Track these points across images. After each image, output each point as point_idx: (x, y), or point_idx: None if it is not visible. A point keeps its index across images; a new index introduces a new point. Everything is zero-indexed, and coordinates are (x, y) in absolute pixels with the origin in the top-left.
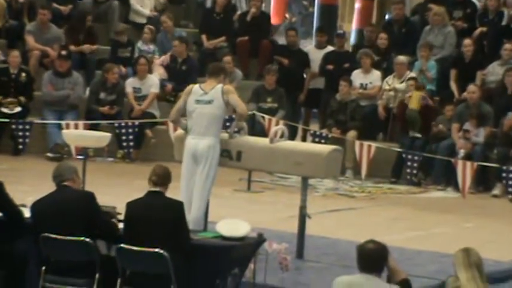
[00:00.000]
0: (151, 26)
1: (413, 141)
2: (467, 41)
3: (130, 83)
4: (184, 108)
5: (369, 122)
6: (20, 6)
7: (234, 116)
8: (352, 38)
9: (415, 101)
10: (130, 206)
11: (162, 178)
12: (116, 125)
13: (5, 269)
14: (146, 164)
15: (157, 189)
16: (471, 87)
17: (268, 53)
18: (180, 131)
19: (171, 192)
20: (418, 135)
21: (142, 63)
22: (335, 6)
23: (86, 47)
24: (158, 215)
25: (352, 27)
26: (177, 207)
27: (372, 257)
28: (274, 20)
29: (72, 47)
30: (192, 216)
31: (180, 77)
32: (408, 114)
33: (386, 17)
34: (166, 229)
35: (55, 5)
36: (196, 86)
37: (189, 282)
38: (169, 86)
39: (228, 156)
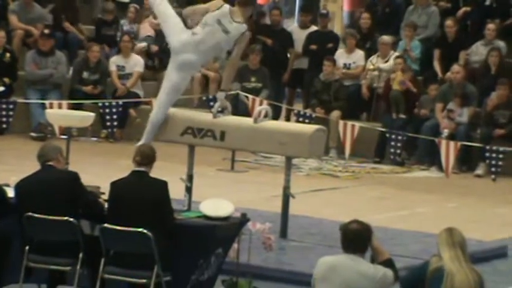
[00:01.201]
0: (136, 5)
1: (396, 121)
2: (449, 21)
3: (114, 61)
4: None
5: (352, 101)
6: None
7: (217, 95)
8: (345, 20)
9: (399, 82)
10: (115, 185)
11: (147, 158)
12: (100, 104)
13: None
14: (130, 144)
15: (141, 168)
16: (455, 67)
17: (252, 33)
18: None
19: (156, 172)
20: (401, 115)
21: (126, 40)
22: None
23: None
24: (142, 195)
25: (339, 8)
26: (161, 186)
27: (356, 237)
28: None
29: (68, 25)
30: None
31: (165, 54)
32: (392, 95)
33: None
34: (150, 209)
35: None
36: (227, 8)
37: (173, 262)
38: (155, 47)
39: (212, 136)
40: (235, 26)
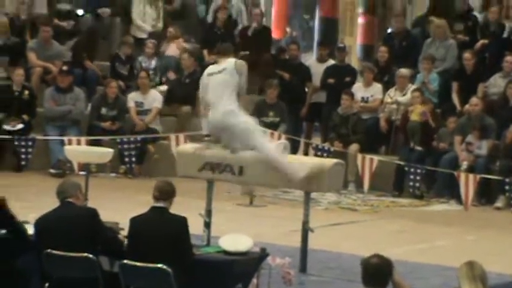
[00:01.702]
0: (153, 40)
1: (414, 154)
2: (467, 54)
3: (132, 97)
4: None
5: (370, 135)
6: (22, 23)
7: None
8: (358, 53)
9: (417, 113)
10: (134, 221)
11: (165, 193)
12: (118, 140)
13: (9, 286)
14: (149, 179)
15: (160, 204)
16: (473, 100)
17: (270, 67)
18: (182, 146)
19: (175, 207)
20: (418, 147)
21: (143, 77)
22: (335, 20)
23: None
24: (161, 231)
25: (355, 42)
26: (181, 222)
27: (377, 272)
28: (275, 34)
29: (88, 62)
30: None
31: (182, 89)
32: (409, 126)
33: (388, 30)
34: (169, 245)
35: (57, 21)
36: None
37: None
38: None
39: (230, 171)
40: (223, 64)
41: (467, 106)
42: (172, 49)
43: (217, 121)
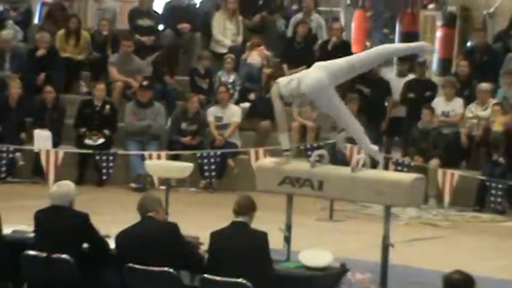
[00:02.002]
0: (232, 55)
1: (497, 168)
2: None
3: (212, 112)
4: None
5: (451, 150)
6: (104, 38)
7: (315, 144)
8: (434, 67)
9: (499, 123)
10: (214, 236)
11: (245, 208)
12: (198, 155)
13: None
14: (228, 194)
15: (240, 219)
16: None
17: (350, 82)
18: (262, 160)
19: (255, 222)
20: (501, 159)
21: (222, 91)
22: (416, 34)
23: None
24: (241, 246)
25: (434, 56)
26: (261, 237)
27: None
28: (355, 49)
29: (168, 78)
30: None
31: (263, 104)
32: (492, 137)
33: (468, 44)
34: (249, 260)
35: (138, 36)
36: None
37: None
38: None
39: (309, 185)
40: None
41: None
42: (253, 57)
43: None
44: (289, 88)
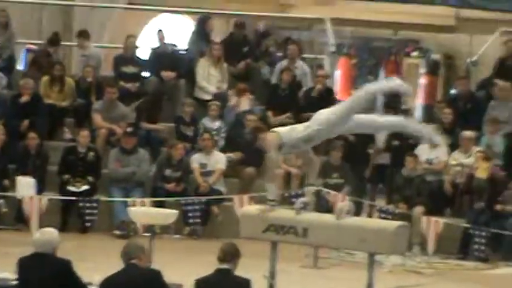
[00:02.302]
0: (217, 102)
1: (480, 216)
2: None
3: (196, 159)
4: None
5: (435, 197)
6: (88, 85)
7: (299, 192)
8: (417, 114)
9: (482, 170)
10: (200, 283)
11: (230, 255)
12: (182, 201)
13: None
14: (213, 241)
15: (225, 266)
16: None
17: None
18: (246, 207)
19: (238, 269)
20: (484, 207)
21: (206, 138)
22: None
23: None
24: None
25: (416, 103)
26: (244, 285)
27: None
28: (340, 96)
29: (145, 124)
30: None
31: (249, 151)
32: (475, 183)
33: (452, 91)
34: None
35: (122, 83)
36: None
37: None
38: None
39: (294, 232)
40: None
41: None
42: (244, 104)
43: None
44: (294, 136)
